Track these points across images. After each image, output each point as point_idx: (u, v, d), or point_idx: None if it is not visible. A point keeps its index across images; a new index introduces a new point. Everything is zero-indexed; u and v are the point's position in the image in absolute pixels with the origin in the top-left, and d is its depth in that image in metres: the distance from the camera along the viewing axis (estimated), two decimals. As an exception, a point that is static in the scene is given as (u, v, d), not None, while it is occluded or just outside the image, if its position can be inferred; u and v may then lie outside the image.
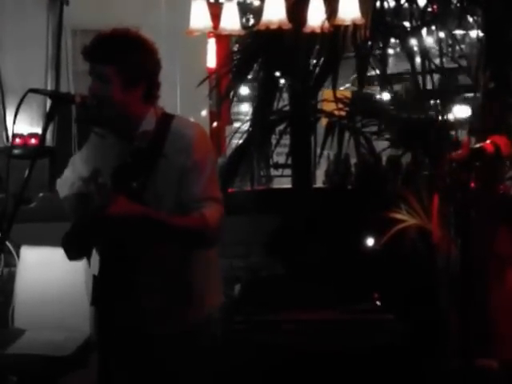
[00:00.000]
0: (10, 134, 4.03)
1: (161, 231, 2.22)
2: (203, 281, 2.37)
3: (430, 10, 3.86)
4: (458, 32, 4.38)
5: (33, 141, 3.92)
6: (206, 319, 2.40)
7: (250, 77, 4.26)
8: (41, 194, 3.81)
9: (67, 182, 2.41)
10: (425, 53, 3.62)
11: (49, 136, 4.04)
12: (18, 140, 3.96)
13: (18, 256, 3.69)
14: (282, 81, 4.01)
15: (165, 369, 2.36)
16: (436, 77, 3.64)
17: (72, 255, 2.29)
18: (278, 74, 3.99)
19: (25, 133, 3.93)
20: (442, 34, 3.87)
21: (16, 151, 3.85)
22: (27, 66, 4.05)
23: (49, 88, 4.02)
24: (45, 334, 3.39)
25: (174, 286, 2.33)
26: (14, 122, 2.13)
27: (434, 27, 3.90)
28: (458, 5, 3.86)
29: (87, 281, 2.36)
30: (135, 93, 2.23)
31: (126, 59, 2.19)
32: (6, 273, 3.78)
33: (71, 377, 3.16)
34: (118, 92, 2.20)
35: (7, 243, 3.65)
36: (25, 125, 3.78)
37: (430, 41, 4.13)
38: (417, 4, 3.78)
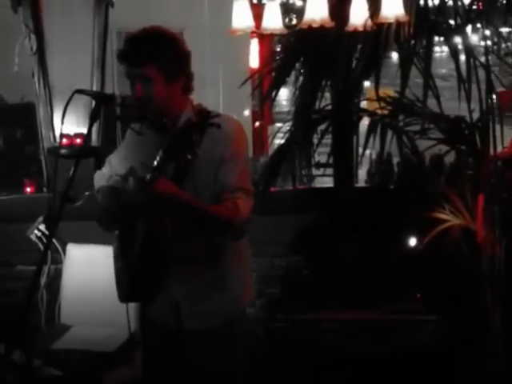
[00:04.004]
0: (57, 134, 4.10)
1: (194, 215, 2.24)
2: (237, 275, 2.40)
3: (475, 7, 3.81)
4: (504, 29, 4.31)
5: (78, 141, 3.98)
6: (241, 314, 2.44)
7: (292, 76, 4.26)
8: (87, 193, 3.88)
9: (104, 176, 2.47)
10: (470, 51, 3.56)
11: (94, 136, 4.11)
12: (64, 140, 4.02)
13: (65, 253, 3.77)
14: (324, 80, 4.00)
15: (201, 364, 2.39)
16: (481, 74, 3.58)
17: (105, 229, 2.38)
18: (320, 73, 3.98)
19: (71, 133, 3.99)
20: (487, 32, 3.81)
21: (63, 151, 3.93)
22: (74, 67, 4.11)
23: (94, 89, 4.07)
24: (90, 330, 3.44)
25: (208, 281, 2.36)
26: (62, 123, 2.18)
27: (479, 25, 3.84)
28: (504, 2, 3.80)
29: (117, 279, 2.39)
30: (176, 87, 2.27)
31: (163, 56, 2.22)
32: (53, 270, 3.85)
33: (116, 372, 3.21)
34: (162, 89, 2.23)
35: (54, 241, 3.75)
36: (71, 125, 3.85)
37: (475, 38, 4.07)
38: (462, 1, 3.73)
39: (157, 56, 2.22)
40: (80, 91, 2.17)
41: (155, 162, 2.15)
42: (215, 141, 2.24)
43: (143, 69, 2.22)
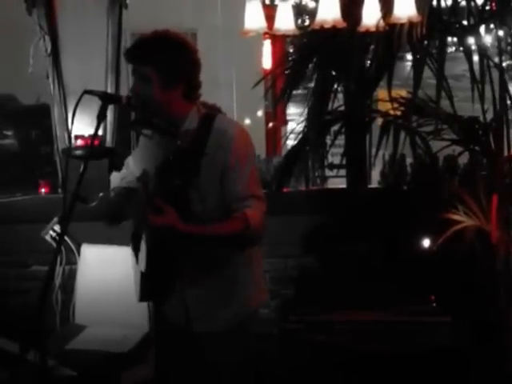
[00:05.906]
0: (72, 135, 4.12)
1: (205, 243, 2.26)
2: (246, 278, 2.41)
3: (488, 7, 3.80)
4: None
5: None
6: (251, 317, 2.43)
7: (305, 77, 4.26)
8: (101, 194, 3.90)
9: (120, 175, 2.50)
10: (483, 51, 3.55)
11: (108, 137, 4.13)
12: (79, 141, 4.05)
13: (79, 254, 3.79)
14: (337, 81, 4.00)
15: (209, 365, 2.40)
16: (495, 75, 3.57)
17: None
18: (332, 73, 3.98)
19: (86, 134, 4.02)
20: (501, 32, 3.79)
21: (78, 152, 3.95)
22: (88, 68, 4.13)
23: (109, 91, 4.09)
24: (104, 330, 3.46)
25: (218, 283, 2.37)
26: (72, 123, 2.20)
27: (492, 25, 3.83)
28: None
29: (135, 277, 2.42)
30: (175, 92, 2.27)
31: (164, 59, 2.23)
32: (67, 270, 3.87)
33: (131, 372, 3.22)
34: (158, 91, 2.24)
35: (68, 241, 3.77)
36: (86, 126, 3.86)
37: (488, 39, 4.05)
38: (475, 1, 3.72)
39: (156, 58, 2.23)
40: (88, 92, 2.19)
41: (152, 186, 2.17)
42: (218, 147, 2.25)
43: (143, 67, 2.25)
